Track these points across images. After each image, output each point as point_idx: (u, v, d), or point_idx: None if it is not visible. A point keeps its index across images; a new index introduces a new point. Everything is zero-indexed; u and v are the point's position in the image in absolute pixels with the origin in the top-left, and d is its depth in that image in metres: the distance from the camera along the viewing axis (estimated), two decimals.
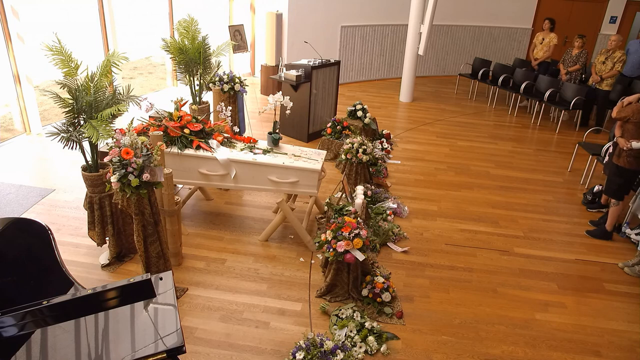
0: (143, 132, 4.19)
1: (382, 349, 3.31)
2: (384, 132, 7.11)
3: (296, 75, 6.46)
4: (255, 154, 4.36)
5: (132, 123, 3.49)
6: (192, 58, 5.76)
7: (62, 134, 3.65)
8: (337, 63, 7.02)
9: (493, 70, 9.61)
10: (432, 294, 3.96)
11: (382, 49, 10.38)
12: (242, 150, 4.40)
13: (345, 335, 3.37)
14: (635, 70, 8.12)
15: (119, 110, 3.66)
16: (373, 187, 5.44)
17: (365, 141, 5.45)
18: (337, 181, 5.70)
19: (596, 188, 5.59)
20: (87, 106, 3.63)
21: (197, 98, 6.00)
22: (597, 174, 6.19)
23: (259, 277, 4.03)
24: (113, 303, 2.27)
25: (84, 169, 3.84)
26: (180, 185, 5.23)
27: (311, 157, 4.41)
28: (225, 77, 5.74)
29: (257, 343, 3.33)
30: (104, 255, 4.08)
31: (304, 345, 3.15)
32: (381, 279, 3.78)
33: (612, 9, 10.79)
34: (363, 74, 10.47)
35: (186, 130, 4.30)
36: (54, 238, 2.65)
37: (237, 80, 5.74)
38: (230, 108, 5.16)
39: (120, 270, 3.97)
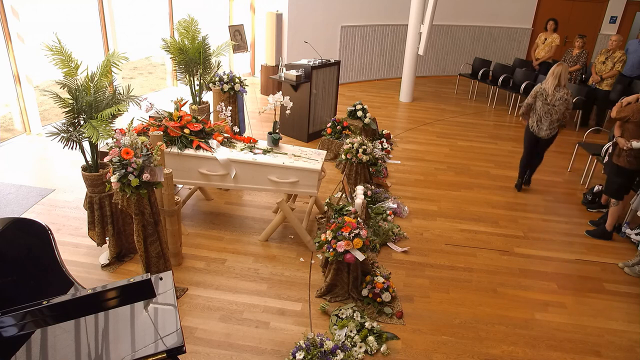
0: (143, 132, 4.19)
1: (382, 349, 3.31)
2: (384, 132, 7.11)
3: (296, 75, 6.46)
4: (255, 154, 4.36)
5: (132, 123, 3.49)
6: (192, 58, 5.76)
7: (62, 134, 3.65)
8: (337, 63, 7.02)
9: (493, 70, 9.61)
10: (432, 294, 3.96)
11: (382, 49, 10.38)
12: (242, 150, 4.40)
13: (345, 335, 3.37)
14: (635, 70, 8.13)
15: (119, 110, 3.66)
16: (373, 187, 5.44)
17: (365, 141, 5.45)
18: (337, 181, 5.70)
19: (596, 188, 5.59)
20: (87, 106, 3.63)
21: (197, 98, 6.00)
22: (597, 174, 6.19)
23: (259, 277, 4.03)
24: (113, 303, 2.27)
25: (84, 169, 3.84)
26: (180, 185, 5.23)
27: (311, 157, 4.42)
28: (225, 77, 5.74)
29: (257, 343, 3.33)
30: (104, 255, 4.08)
31: (304, 345, 3.15)
32: (381, 279, 3.78)
33: (612, 9, 10.79)
34: (363, 74, 10.46)
35: (186, 130, 4.30)
36: (54, 238, 2.65)
37: (237, 80, 5.74)
38: (230, 108, 5.16)
39: (120, 270, 3.97)
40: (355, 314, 3.54)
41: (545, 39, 8.88)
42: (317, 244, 4.12)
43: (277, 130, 4.62)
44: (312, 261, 4.28)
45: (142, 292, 2.31)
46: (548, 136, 5.43)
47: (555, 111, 5.24)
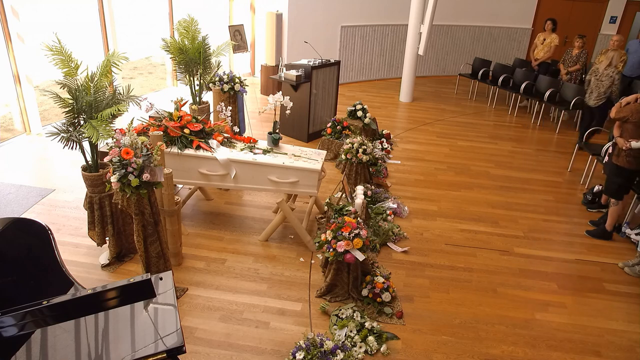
0: (143, 132, 4.19)
1: (382, 349, 3.31)
2: (384, 132, 7.11)
3: (296, 75, 6.46)
4: (255, 154, 4.36)
5: (132, 123, 3.49)
6: (192, 58, 5.76)
7: (62, 134, 3.65)
8: (337, 63, 7.02)
9: (493, 70, 9.61)
10: (432, 294, 3.96)
11: (382, 49, 10.38)
12: (242, 150, 4.40)
13: (345, 335, 3.37)
14: (635, 70, 8.12)
15: (119, 110, 3.66)
16: (373, 187, 5.44)
17: (365, 141, 5.45)
18: (337, 181, 5.70)
19: (596, 188, 5.59)
20: (87, 106, 3.63)
21: (197, 98, 6.00)
22: (597, 174, 6.19)
23: (259, 277, 4.03)
24: (113, 303, 2.27)
25: (84, 169, 3.84)
26: (180, 185, 5.23)
27: (311, 157, 4.42)
28: (225, 77, 5.74)
29: (257, 343, 3.33)
30: (104, 255, 4.08)
31: (304, 345, 3.15)
32: (381, 279, 3.78)
33: (612, 9, 10.79)
34: (363, 74, 10.46)
35: (186, 130, 4.30)
36: (54, 238, 2.65)
37: (237, 80, 5.74)
38: (230, 108, 5.16)
39: (120, 270, 3.97)
40: (355, 314, 3.54)
41: (544, 39, 8.87)
42: (317, 244, 4.12)
43: (277, 130, 4.62)
44: (312, 261, 4.28)
45: (142, 292, 2.31)
46: (596, 105, 6.79)
47: (602, 85, 6.64)
